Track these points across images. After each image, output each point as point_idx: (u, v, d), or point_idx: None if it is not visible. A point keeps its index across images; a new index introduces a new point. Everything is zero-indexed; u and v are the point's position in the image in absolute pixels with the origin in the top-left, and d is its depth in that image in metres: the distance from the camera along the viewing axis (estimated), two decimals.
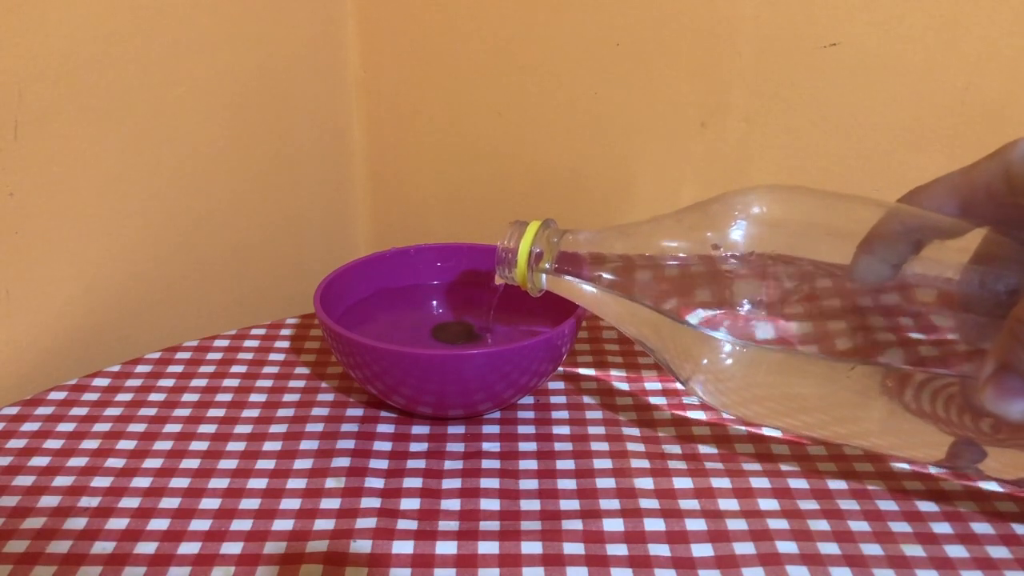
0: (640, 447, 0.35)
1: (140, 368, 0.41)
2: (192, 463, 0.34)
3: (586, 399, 0.39)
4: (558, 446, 0.35)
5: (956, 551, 0.29)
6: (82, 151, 0.42)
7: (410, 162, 0.60)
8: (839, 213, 0.30)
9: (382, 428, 0.36)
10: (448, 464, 0.34)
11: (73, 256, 0.43)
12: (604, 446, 0.35)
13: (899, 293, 0.28)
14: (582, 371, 0.41)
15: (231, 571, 0.29)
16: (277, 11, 0.51)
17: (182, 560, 0.29)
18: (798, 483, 0.33)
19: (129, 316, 0.47)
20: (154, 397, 0.39)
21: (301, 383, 0.40)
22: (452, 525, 0.31)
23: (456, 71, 0.56)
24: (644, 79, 0.51)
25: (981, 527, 0.31)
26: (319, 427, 0.36)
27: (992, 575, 0.28)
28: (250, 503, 0.32)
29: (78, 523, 0.31)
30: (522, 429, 0.36)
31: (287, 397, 0.39)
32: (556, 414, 0.37)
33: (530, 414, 0.37)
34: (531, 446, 0.35)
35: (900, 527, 0.30)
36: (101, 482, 0.33)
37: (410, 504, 0.32)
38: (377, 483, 0.33)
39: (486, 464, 0.34)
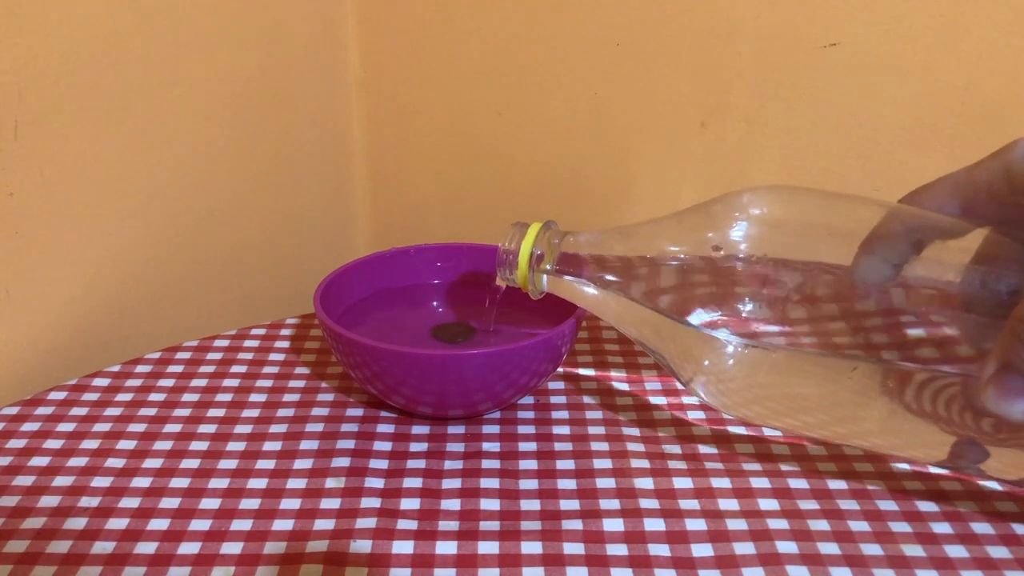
0: (640, 447, 0.35)
1: (140, 368, 0.41)
2: (192, 463, 0.34)
3: (586, 399, 0.38)
4: (558, 446, 0.35)
5: (956, 551, 0.29)
6: (82, 151, 0.42)
7: (410, 162, 0.60)
8: (840, 213, 0.30)
9: (382, 428, 0.36)
10: (448, 464, 0.34)
11: (73, 256, 0.43)
12: (604, 446, 0.35)
13: (900, 293, 0.28)
14: (582, 371, 0.41)
15: (231, 571, 0.29)
16: (277, 11, 0.51)
17: (182, 560, 0.29)
18: (798, 483, 0.33)
19: (129, 316, 0.47)
20: (154, 397, 0.39)
21: (301, 383, 0.40)
22: (452, 525, 0.31)
23: (456, 71, 0.56)
24: (644, 79, 0.51)
25: (981, 527, 0.31)
26: (319, 427, 0.36)
27: (992, 575, 0.28)
28: (250, 503, 0.32)
29: (78, 523, 0.31)
30: (522, 429, 0.36)
31: (287, 397, 0.39)
32: (556, 414, 0.37)
33: (530, 414, 0.37)
34: (531, 446, 0.35)
35: (900, 527, 0.30)
36: (101, 482, 0.33)
37: (410, 504, 0.32)
38: (377, 483, 0.33)
39: (486, 464, 0.34)
